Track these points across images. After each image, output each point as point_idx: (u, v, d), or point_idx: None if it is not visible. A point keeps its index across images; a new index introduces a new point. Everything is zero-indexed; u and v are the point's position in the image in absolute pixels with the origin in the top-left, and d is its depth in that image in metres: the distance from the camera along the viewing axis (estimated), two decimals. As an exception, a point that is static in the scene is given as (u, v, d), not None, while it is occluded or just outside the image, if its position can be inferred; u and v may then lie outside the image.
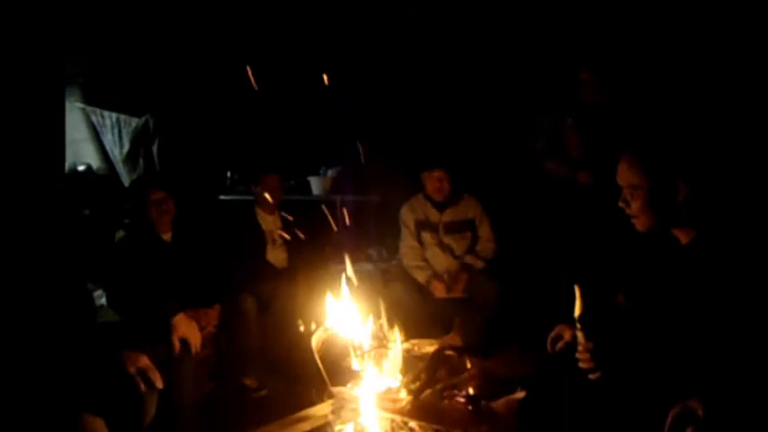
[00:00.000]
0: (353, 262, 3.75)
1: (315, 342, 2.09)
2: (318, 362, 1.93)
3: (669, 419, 1.25)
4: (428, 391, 1.97)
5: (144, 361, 1.70)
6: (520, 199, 3.24)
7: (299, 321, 2.31)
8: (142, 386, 1.69)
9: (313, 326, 2.23)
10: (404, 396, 1.96)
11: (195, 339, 2.19)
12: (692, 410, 1.23)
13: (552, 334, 1.71)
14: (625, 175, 1.44)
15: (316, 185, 4.15)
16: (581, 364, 1.44)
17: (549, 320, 1.75)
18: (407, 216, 3.28)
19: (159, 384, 1.73)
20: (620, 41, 2.98)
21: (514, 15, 3.39)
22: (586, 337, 1.44)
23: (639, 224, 1.45)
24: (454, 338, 2.87)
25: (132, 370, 1.67)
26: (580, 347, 1.45)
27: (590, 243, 2.61)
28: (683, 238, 1.43)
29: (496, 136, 3.55)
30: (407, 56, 3.78)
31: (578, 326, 1.46)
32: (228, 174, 4.47)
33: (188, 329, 2.17)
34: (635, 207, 1.43)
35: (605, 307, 1.58)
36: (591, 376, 1.42)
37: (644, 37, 2.96)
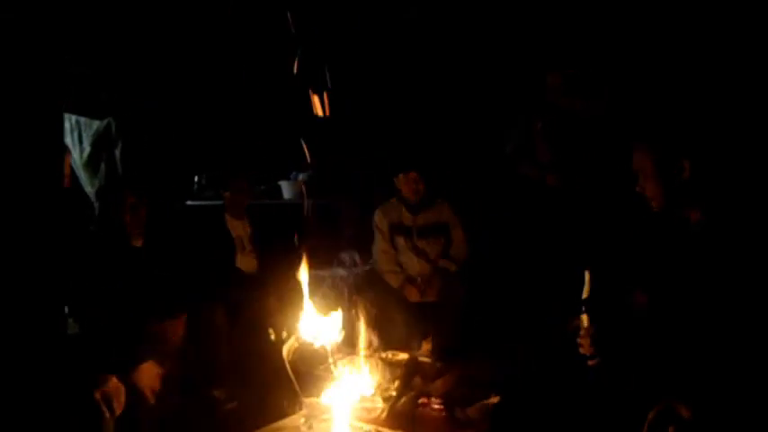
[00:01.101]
0: (326, 267, 3.74)
1: (286, 351, 2.03)
2: (290, 372, 1.88)
3: (650, 416, 1.25)
4: (403, 399, 1.95)
5: (110, 385, 1.64)
6: (497, 201, 3.26)
7: (270, 330, 2.25)
8: (106, 413, 1.64)
9: (285, 334, 2.18)
10: (378, 405, 1.93)
11: (154, 389, 2.04)
12: (675, 410, 1.24)
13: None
14: (635, 161, 1.50)
15: (287, 190, 4.09)
16: (581, 350, 1.46)
17: (523, 324, 1.75)
18: (381, 220, 3.25)
19: (117, 412, 1.67)
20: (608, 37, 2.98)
21: (490, 17, 3.40)
22: (591, 321, 1.46)
23: (654, 205, 1.51)
24: (428, 345, 2.85)
25: (98, 395, 1.61)
26: (582, 332, 1.47)
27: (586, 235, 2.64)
28: (693, 216, 1.47)
29: (471, 139, 3.56)
30: (383, 58, 3.75)
31: (584, 308, 1.49)
32: (196, 178, 4.36)
33: (149, 379, 2.01)
34: (648, 189, 1.49)
35: (618, 300, 1.59)
36: (589, 363, 1.44)
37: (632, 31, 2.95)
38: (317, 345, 2.03)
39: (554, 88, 2.90)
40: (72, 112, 3.93)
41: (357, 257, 3.72)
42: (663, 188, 1.45)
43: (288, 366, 1.90)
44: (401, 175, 3.14)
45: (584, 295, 1.50)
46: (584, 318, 1.48)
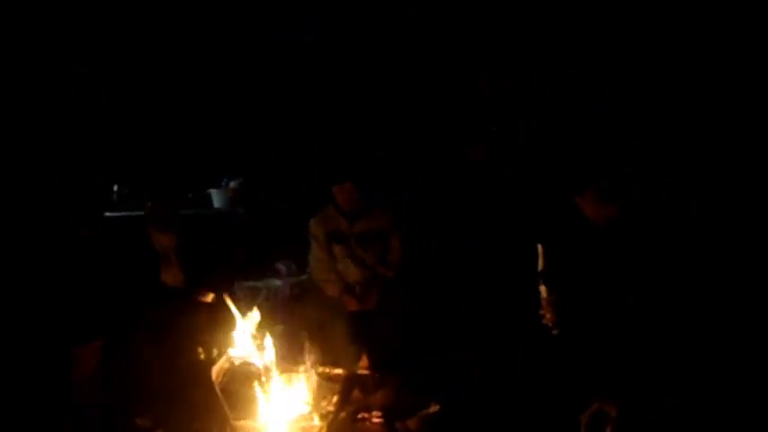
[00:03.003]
0: (261, 278, 3.59)
1: (216, 371, 1.91)
2: (219, 394, 1.75)
3: (585, 419, 1.27)
4: (341, 415, 1.88)
5: None
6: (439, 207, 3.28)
7: (200, 349, 2.12)
8: None
9: (215, 353, 2.04)
10: (316, 422, 1.85)
11: None
12: (606, 411, 1.26)
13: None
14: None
15: (217, 198, 3.90)
16: (544, 321, 1.56)
17: (465, 332, 1.77)
18: (317, 228, 3.17)
19: None
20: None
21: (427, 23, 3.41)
22: (549, 291, 1.57)
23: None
24: (368, 357, 2.79)
25: None
26: (543, 302, 1.57)
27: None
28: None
29: (411, 145, 3.56)
30: (324, 64, 3.68)
31: (541, 281, 1.60)
32: (115, 188, 4.05)
33: None
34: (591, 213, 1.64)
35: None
36: (553, 332, 1.53)
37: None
38: (249, 363, 1.92)
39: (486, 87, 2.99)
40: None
41: (293, 267, 3.61)
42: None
43: (217, 388, 1.79)
44: (335, 186, 3.08)
45: (540, 268, 1.61)
46: (543, 289, 1.59)
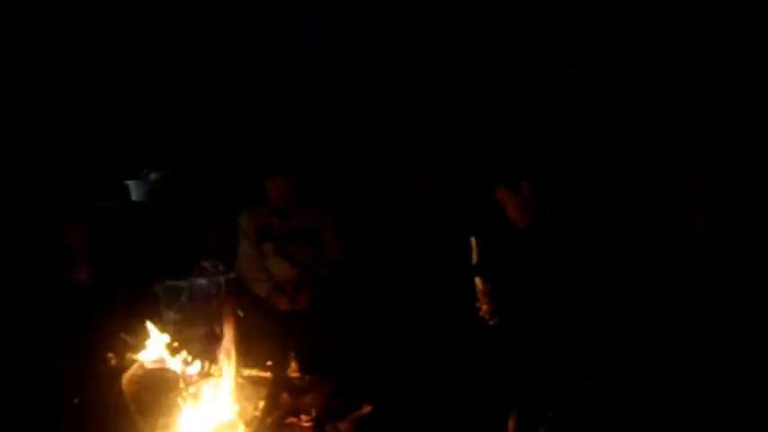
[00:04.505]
0: (185, 277, 3.38)
1: (127, 379, 1.74)
2: (130, 403, 1.60)
3: (513, 420, 1.27)
4: (268, 420, 1.79)
5: None
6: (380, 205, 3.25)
7: (111, 355, 1.94)
8: None
9: (128, 358, 1.87)
10: (241, 429, 1.74)
11: None
12: (540, 411, 1.27)
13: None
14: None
15: (136, 190, 3.63)
16: (481, 313, 1.58)
17: (398, 331, 1.74)
18: (247, 223, 3.02)
19: None
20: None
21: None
22: (484, 282, 1.60)
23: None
24: (298, 358, 2.70)
25: None
26: (479, 294, 1.59)
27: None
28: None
29: (351, 138, 3.50)
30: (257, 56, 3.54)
31: (476, 272, 1.63)
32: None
33: None
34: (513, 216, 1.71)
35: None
36: (490, 322, 1.56)
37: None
38: (166, 368, 1.78)
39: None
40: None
41: (220, 265, 3.43)
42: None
43: (128, 397, 1.63)
44: (267, 181, 2.96)
45: (475, 260, 1.65)
46: (478, 280, 1.61)
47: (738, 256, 1.51)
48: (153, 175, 3.62)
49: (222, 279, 3.32)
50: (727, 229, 1.60)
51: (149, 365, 1.74)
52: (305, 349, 2.72)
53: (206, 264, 3.48)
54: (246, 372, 2.00)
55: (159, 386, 1.73)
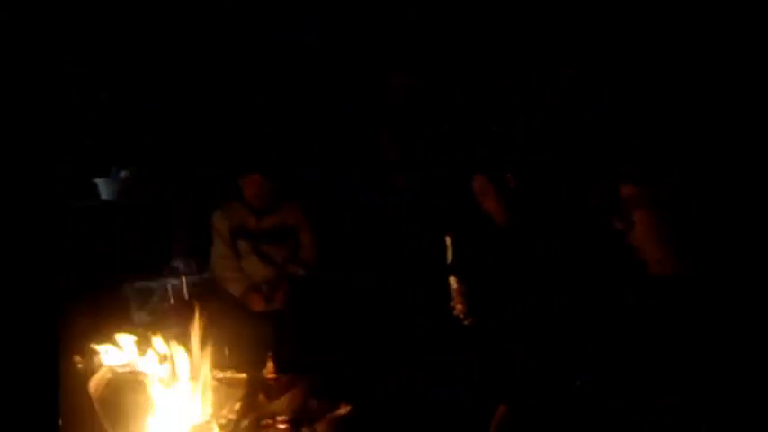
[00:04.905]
0: (156, 277, 3.29)
1: (95, 384, 1.68)
2: (98, 408, 1.55)
3: (494, 423, 1.27)
4: (243, 423, 1.75)
5: None
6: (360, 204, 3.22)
7: (78, 358, 1.87)
8: None
9: (96, 362, 1.80)
10: (215, 433, 1.69)
11: None
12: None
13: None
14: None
15: (105, 188, 3.51)
16: (455, 313, 1.57)
17: (375, 332, 1.73)
18: (221, 222, 2.97)
19: None
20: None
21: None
22: (459, 281, 1.59)
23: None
24: (272, 362, 2.66)
25: None
26: (453, 293, 1.59)
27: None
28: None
29: (328, 138, 3.46)
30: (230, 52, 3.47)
31: (450, 272, 1.62)
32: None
33: None
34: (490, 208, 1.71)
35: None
36: (465, 322, 1.56)
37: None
38: (136, 371, 1.72)
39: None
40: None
41: (193, 265, 3.35)
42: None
43: (96, 402, 1.57)
44: (242, 178, 2.90)
45: (449, 259, 1.64)
46: (452, 279, 1.60)
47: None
48: (123, 173, 3.52)
49: (195, 279, 3.25)
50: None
51: (118, 369, 1.68)
52: (282, 349, 2.69)
53: (178, 263, 3.40)
54: (221, 374, 1.95)
55: (129, 389, 1.67)
